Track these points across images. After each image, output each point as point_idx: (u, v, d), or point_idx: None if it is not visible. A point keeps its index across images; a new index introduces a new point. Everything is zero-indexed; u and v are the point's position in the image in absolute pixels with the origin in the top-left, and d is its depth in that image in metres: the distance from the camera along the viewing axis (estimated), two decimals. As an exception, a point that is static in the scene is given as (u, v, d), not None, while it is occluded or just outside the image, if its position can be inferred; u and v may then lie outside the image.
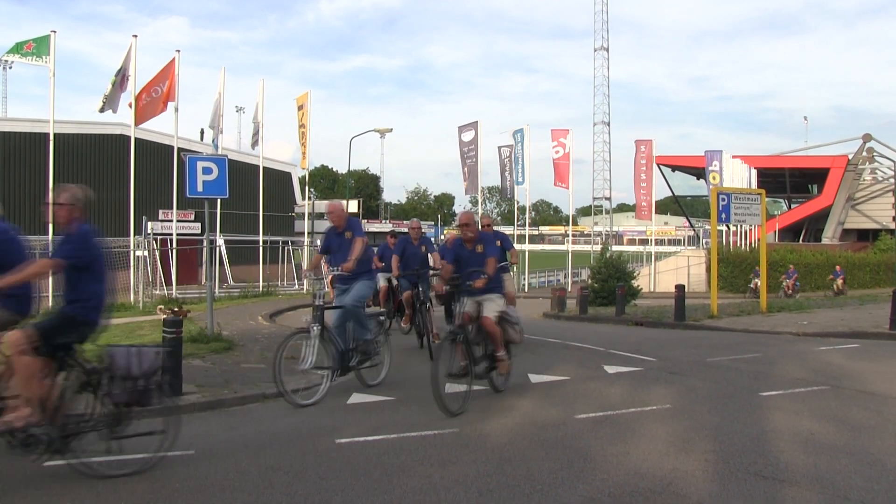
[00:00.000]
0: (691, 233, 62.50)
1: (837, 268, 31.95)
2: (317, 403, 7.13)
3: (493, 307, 7.16)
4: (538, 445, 5.46)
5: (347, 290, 7.91)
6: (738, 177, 37.99)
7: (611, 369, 8.77)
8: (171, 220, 26.37)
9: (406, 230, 12.71)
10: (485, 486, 4.55)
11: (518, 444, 5.52)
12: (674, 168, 51.55)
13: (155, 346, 5.48)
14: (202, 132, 38.91)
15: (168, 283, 25.39)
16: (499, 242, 9.54)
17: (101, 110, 21.24)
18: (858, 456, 5.13)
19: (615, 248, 39.52)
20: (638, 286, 25.16)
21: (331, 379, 7.44)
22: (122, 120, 23.66)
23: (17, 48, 19.91)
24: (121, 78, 20.91)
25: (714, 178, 35.37)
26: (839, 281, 31.04)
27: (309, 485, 4.64)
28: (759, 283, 27.95)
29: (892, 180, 48.17)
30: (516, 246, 14.30)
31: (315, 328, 7.25)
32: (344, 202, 8.31)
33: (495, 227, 11.95)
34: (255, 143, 28.38)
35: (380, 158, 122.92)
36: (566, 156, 34.47)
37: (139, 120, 21.91)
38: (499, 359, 7.18)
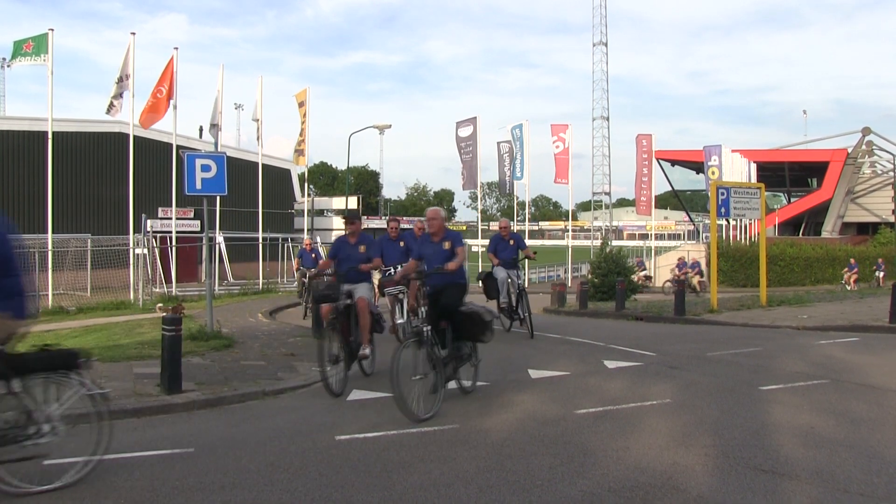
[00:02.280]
0: (691, 227, 62.52)
1: (693, 259, 27.43)
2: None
3: None
4: (538, 441, 5.46)
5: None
6: (737, 171, 37.93)
7: (611, 364, 8.77)
8: (171, 218, 26.35)
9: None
10: (485, 481, 4.55)
11: (518, 439, 5.52)
12: (673, 163, 51.54)
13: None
14: (201, 129, 38.86)
15: (168, 280, 25.39)
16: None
17: (108, 112, 21.56)
18: (858, 449, 5.13)
19: (615, 242, 39.55)
20: (638, 281, 25.17)
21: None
22: (121, 118, 23.70)
23: (18, 49, 19.92)
24: (120, 78, 21.11)
25: (713, 172, 35.32)
26: (695, 276, 26.83)
27: (309, 481, 4.64)
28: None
29: (892, 173, 48.20)
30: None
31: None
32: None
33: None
34: (258, 141, 28.44)
35: (379, 155, 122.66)
36: (566, 151, 34.44)
37: (146, 124, 22.18)
38: None
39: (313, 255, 17.61)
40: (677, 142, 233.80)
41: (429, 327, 6.55)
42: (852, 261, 31.52)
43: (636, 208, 41.18)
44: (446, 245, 7.24)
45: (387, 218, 12.06)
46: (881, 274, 31.84)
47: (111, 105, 21.32)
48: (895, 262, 35.55)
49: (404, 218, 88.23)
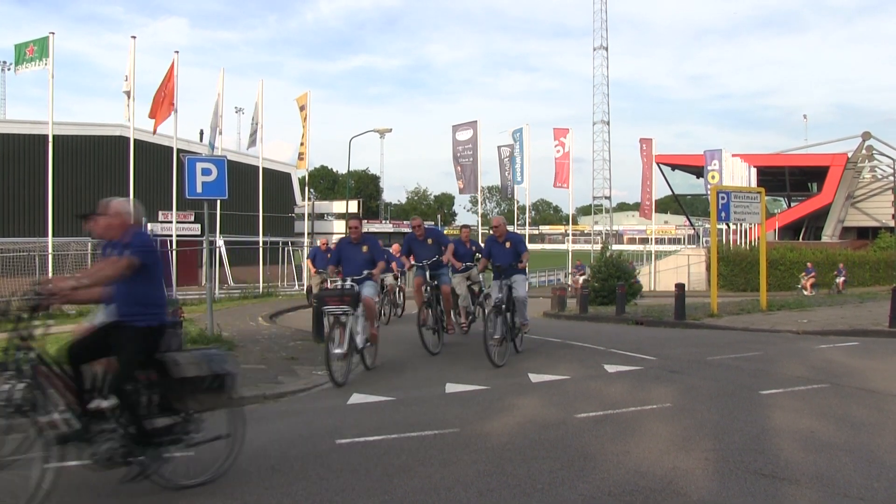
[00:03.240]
0: (691, 231, 62.52)
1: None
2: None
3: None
4: (538, 445, 5.46)
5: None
6: (737, 175, 37.97)
7: (611, 368, 8.77)
8: (171, 222, 26.39)
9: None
10: (485, 485, 4.56)
11: (518, 443, 5.52)
12: (674, 167, 51.60)
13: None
14: (202, 133, 38.95)
15: (168, 284, 25.28)
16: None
17: (129, 119, 21.91)
18: (858, 454, 5.13)
19: (615, 247, 39.55)
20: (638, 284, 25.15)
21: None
22: (120, 121, 23.84)
23: (21, 53, 19.98)
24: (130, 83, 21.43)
25: (713, 176, 35.36)
26: (579, 277, 26.68)
27: (309, 485, 4.64)
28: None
29: (892, 178, 48.23)
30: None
31: None
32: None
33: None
34: (251, 144, 28.42)
35: (380, 158, 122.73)
36: (566, 155, 34.49)
37: (157, 124, 22.43)
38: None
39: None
40: (678, 145, 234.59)
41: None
42: (809, 265, 31.23)
43: (640, 211, 41.19)
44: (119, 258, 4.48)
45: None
46: (841, 279, 31.40)
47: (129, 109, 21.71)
48: (894, 266, 35.56)
49: (404, 222, 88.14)
